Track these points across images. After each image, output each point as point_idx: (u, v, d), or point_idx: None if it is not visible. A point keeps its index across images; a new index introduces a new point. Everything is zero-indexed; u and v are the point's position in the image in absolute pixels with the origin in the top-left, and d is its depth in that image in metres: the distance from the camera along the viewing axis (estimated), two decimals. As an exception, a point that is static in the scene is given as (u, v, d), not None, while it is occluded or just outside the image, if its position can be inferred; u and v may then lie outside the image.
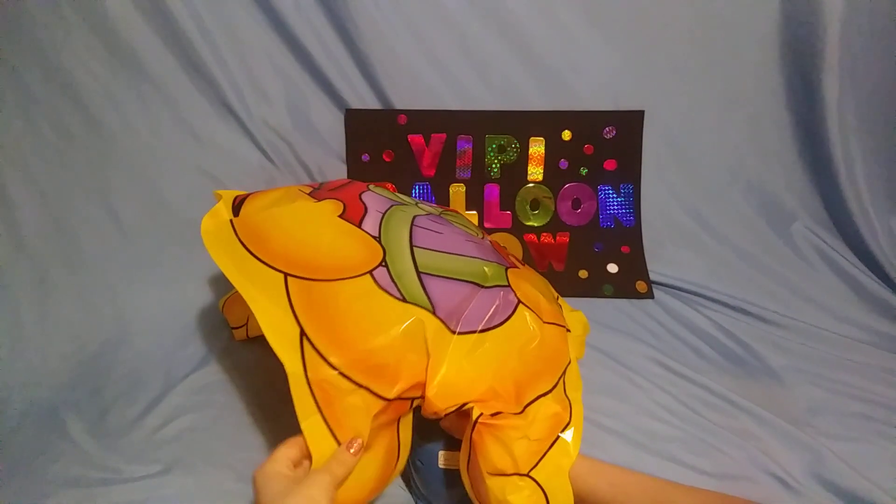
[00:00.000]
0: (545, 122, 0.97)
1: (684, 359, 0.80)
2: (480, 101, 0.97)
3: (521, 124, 0.97)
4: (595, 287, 0.96)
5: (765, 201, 1.04)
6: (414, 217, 0.62)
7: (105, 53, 0.83)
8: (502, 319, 0.56)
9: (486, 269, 0.60)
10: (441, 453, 0.56)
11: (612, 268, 0.98)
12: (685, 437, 0.68)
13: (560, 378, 0.58)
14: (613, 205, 1.00)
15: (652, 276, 0.96)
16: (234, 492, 0.60)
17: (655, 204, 1.01)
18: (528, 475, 0.49)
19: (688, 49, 0.96)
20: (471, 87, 0.96)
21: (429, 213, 0.64)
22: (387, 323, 0.51)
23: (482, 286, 0.58)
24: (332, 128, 0.97)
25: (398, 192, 0.77)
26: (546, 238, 0.99)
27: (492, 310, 0.56)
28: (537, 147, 0.98)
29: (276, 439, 0.66)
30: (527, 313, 0.58)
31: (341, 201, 0.61)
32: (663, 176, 1.02)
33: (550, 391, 0.55)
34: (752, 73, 0.98)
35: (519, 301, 0.59)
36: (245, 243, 0.55)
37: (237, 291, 0.52)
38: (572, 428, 0.54)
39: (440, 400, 0.51)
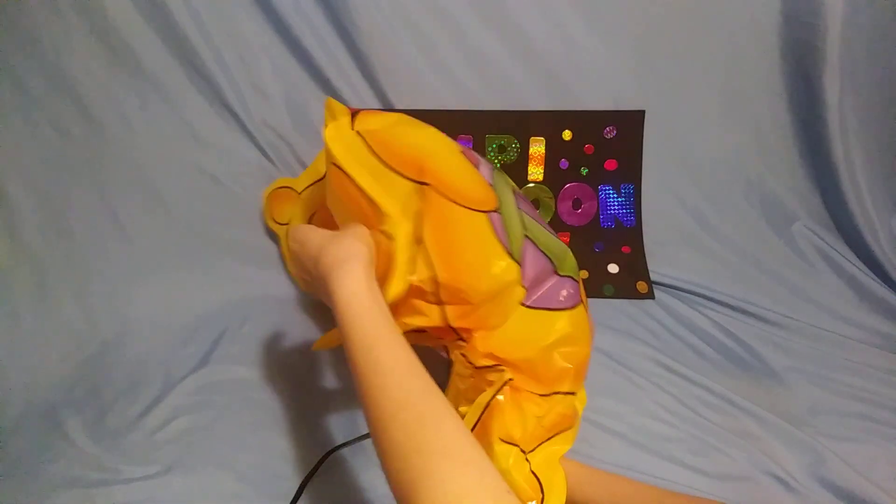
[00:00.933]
0: (545, 122, 0.97)
1: (685, 359, 0.80)
2: (480, 100, 0.96)
3: (521, 124, 0.96)
4: (596, 287, 0.96)
5: (766, 201, 1.04)
6: (512, 187, 0.64)
7: (105, 53, 0.83)
8: (564, 307, 0.58)
9: (568, 253, 0.62)
10: None
11: (613, 268, 0.98)
12: (686, 438, 0.68)
13: (581, 387, 0.60)
14: (614, 205, 1.00)
15: (653, 277, 0.96)
16: (233, 492, 0.60)
17: (656, 204, 1.01)
18: (526, 456, 0.51)
19: (689, 49, 0.96)
20: (471, 86, 0.96)
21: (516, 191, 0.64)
22: (488, 268, 0.53)
23: (557, 273, 0.59)
24: (332, 128, 0.96)
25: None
26: (546, 238, 0.99)
27: (561, 296, 0.58)
28: (538, 147, 0.97)
29: (275, 440, 0.67)
30: (585, 314, 0.60)
31: (457, 145, 0.61)
32: (664, 176, 1.02)
33: (573, 394, 0.57)
34: (753, 73, 0.98)
35: (581, 300, 0.60)
36: (378, 154, 0.57)
37: (287, 187, 0.60)
38: (571, 431, 0.56)
39: (483, 346, 0.55)
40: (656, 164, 1.00)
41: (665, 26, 0.94)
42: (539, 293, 0.57)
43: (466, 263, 0.53)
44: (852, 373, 0.78)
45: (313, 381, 0.76)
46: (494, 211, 0.55)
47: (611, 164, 0.98)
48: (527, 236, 0.57)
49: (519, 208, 0.59)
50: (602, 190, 0.99)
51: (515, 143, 0.97)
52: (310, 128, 0.97)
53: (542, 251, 0.58)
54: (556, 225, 0.99)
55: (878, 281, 0.94)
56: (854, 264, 0.97)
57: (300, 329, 0.83)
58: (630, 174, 0.99)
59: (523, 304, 0.56)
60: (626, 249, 0.99)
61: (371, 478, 0.62)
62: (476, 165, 0.59)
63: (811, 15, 0.90)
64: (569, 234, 0.99)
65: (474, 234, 0.54)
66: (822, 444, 0.65)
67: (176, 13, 0.84)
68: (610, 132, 0.97)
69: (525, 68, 0.96)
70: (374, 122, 0.61)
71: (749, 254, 1.00)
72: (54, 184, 0.83)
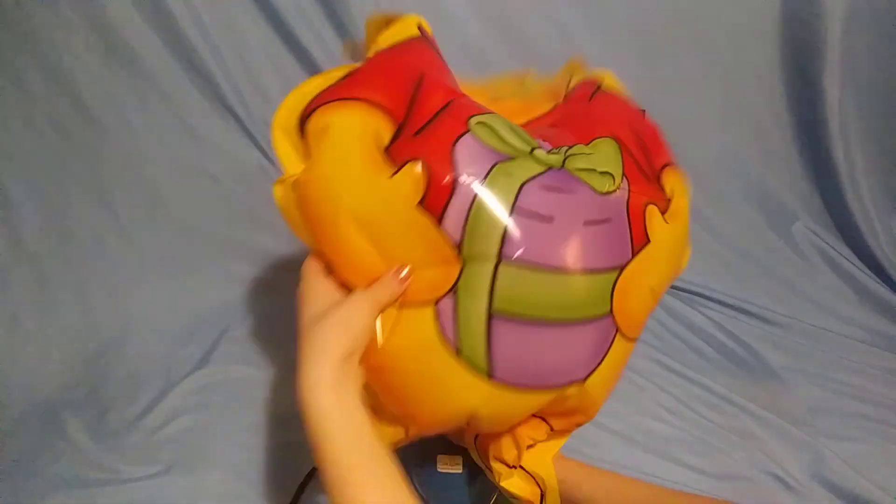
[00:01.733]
0: (546, 122, 0.96)
1: (685, 359, 0.80)
2: (480, 100, 0.96)
3: (521, 124, 0.96)
4: (595, 287, 0.95)
5: (766, 201, 1.04)
6: (521, 188, 0.42)
7: (104, 53, 0.83)
8: (577, 377, 0.44)
9: (589, 291, 0.43)
10: (439, 457, 0.56)
11: (613, 268, 0.97)
12: (685, 437, 0.68)
13: None
14: (614, 205, 0.99)
15: (652, 276, 0.96)
16: (233, 492, 0.60)
17: (656, 204, 1.01)
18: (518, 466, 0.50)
19: (689, 49, 0.96)
20: (471, 86, 0.96)
21: (547, 170, 0.43)
22: (432, 386, 0.43)
23: (571, 322, 0.43)
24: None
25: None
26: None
27: (575, 361, 0.44)
28: (538, 147, 0.97)
29: (275, 440, 0.67)
30: (619, 349, 0.46)
31: (426, 168, 0.40)
32: (664, 176, 1.02)
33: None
34: (753, 73, 0.98)
35: (617, 331, 0.45)
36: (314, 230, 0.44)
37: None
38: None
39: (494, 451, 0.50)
40: (656, 163, 1.00)
41: (665, 26, 0.94)
42: (531, 371, 0.43)
43: (414, 399, 0.43)
44: (852, 372, 0.78)
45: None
46: (448, 292, 0.41)
47: (611, 164, 0.98)
48: (496, 315, 0.41)
49: (504, 259, 0.41)
50: (602, 190, 0.99)
51: (515, 143, 0.96)
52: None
53: (530, 321, 0.42)
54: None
55: (878, 281, 0.94)
56: (854, 264, 0.97)
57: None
58: (630, 174, 0.98)
59: (513, 387, 0.43)
60: (626, 249, 0.98)
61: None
62: (447, 201, 0.40)
63: (811, 15, 0.90)
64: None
65: (408, 341, 0.42)
66: (821, 443, 0.65)
67: (176, 13, 0.84)
68: (610, 132, 0.97)
69: (525, 68, 0.96)
70: (312, 177, 0.43)
71: (749, 254, 1.00)
72: (54, 184, 0.83)
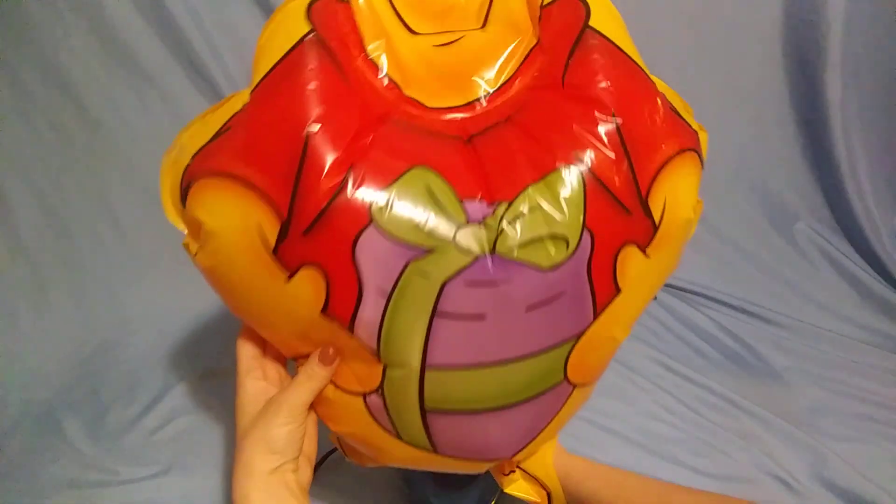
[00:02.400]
0: (546, 122, 0.95)
1: (686, 359, 0.80)
2: (481, 100, 0.96)
3: (521, 124, 0.95)
4: (596, 287, 0.95)
5: (768, 201, 1.03)
6: (442, 289, 0.35)
7: (103, 53, 0.83)
8: (528, 440, 0.42)
9: (538, 369, 0.39)
10: None
11: (614, 268, 0.97)
12: (687, 439, 0.67)
13: None
14: (615, 204, 0.99)
15: (653, 276, 0.96)
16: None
17: (657, 203, 1.01)
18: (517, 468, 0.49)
19: (690, 48, 0.96)
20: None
21: (474, 261, 0.35)
22: (384, 451, 0.42)
23: (517, 404, 0.39)
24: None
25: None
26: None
27: (525, 431, 0.42)
28: (538, 146, 0.97)
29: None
30: (580, 393, 0.43)
31: (324, 276, 0.35)
32: (665, 175, 1.01)
33: None
34: (754, 72, 0.98)
35: (574, 387, 0.42)
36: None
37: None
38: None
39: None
40: (657, 163, 1.00)
41: (667, 25, 0.94)
42: (475, 449, 0.41)
43: (375, 451, 0.42)
44: (854, 373, 0.78)
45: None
46: (374, 391, 0.38)
47: (611, 164, 0.97)
48: (430, 411, 0.38)
49: (429, 367, 0.36)
50: (603, 189, 0.98)
51: (516, 143, 0.96)
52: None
53: (469, 412, 0.38)
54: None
55: (881, 280, 0.94)
56: (856, 264, 0.97)
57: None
58: (631, 174, 0.98)
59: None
60: (626, 249, 0.98)
61: (371, 478, 0.61)
62: (356, 305, 0.35)
63: (813, 13, 0.90)
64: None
65: (355, 428, 0.41)
66: (823, 444, 0.65)
67: (175, 13, 0.84)
68: (611, 131, 0.96)
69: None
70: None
71: (751, 253, 0.99)
72: (53, 184, 0.83)
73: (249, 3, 0.88)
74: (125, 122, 0.86)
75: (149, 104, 0.87)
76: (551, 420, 0.42)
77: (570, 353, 0.39)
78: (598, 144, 0.37)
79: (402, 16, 0.42)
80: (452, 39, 0.43)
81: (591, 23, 0.40)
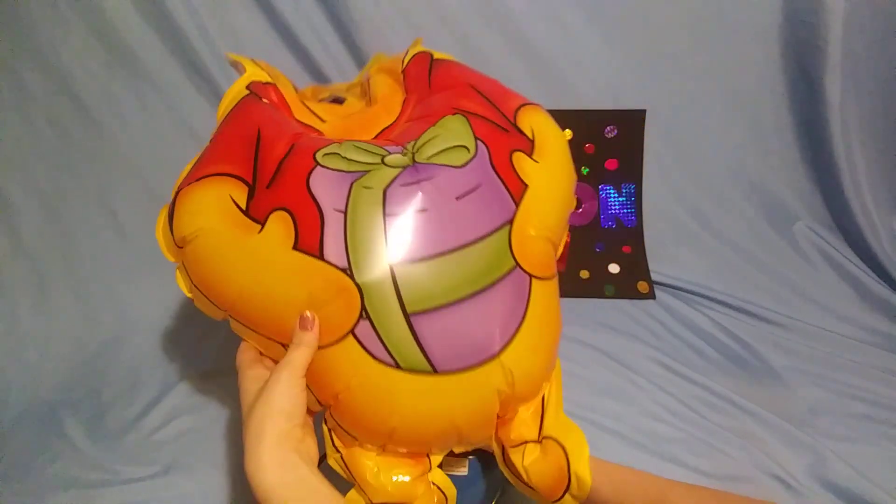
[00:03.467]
0: (546, 122, 0.96)
1: (686, 359, 0.80)
2: (481, 100, 0.96)
3: (521, 124, 0.96)
4: (596, 287, 0.95)
5: (767, 201, 1.03)
6: (386, 193, 0.44)
7: (103, 53, 0.83)
8: (510, 333, 0.45)
9: (487, 255, 0.45)
10: (444, 458, 0.55)
11: (614, 268, 0.97)
12: (686, 438, 0.67)
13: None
14: (615, 204, 0.99)
15: (654, 277, 0.96)
16: (232, 493, 0.60)
17: (657, 204, 1.01)
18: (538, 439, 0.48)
19: (690, 48, 0.96)
20: (471, 86, 0.96)
21: (402, 170, 0.45)
22: (389, 403, 0.43)
23: (484, 289, 0.44)
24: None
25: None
26: (547, 238, 0.98)
27: (501, 321, 0.45)
28: (538, 147, 0.97)
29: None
30: (540, 291, 0.47)
31: (289, 213, 0.43)
32: (665, 176, 1.02)
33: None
34: (754, 73, 0.98)
35: (531, 276, 0.47)
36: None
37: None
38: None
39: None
40: (657, 163, 1.00)
41: (666, 25, 0.94)
42: (469, 346, 0.43)
43: (380, 420, 0.43)
44: (853, 373, 0.78)
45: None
46: (360, 318, 0.41)
47: (612, 164, 0.98)
48: (413, 314, 0.42)
49: (395, 265, 0.42)
50: (603, 189, 0.99)
51: (516, 143, 0.96)
52: (309, 127, 0.97)
53: (448, 305, 0.43)
54: (557, 225, 0.99)
55: (880, 281, 0.94)
56: (855, 264, 0.97)
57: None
58: (631, 174, 0.99)
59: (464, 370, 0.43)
60: (626, 249, 0.99)
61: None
62: (321, 234, 0.42)
63: (812, 14, 0.90)
64: (569, 233, 0.99)
65: (352, 374, 0.42)
66: (822, 444, 0.65)
67: (175, 13, 0.84)
68: (611, 131, 0.97)
69: (525, 67, 0.96)
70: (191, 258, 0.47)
71: (750, 254, 1.00)
72: (54, 184, 0.83)
73: (249, 4, 0.88)
74: (125, 122, 0.86)
75: (149, 104, 0.87)
76: (525, 312, 0.46)
77: (509, 238, 0.46)
78: (466, 100, 0.53)
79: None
80: (353, 112, 0.62)
81: (435, 57, 0.59)
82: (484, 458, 0.53)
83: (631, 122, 0.97)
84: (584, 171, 0.98)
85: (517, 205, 0.47)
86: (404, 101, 0.58)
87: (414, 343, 0.42)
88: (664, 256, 0.98)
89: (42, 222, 0.82)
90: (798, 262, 0.99)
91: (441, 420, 0.44)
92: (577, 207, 0.99)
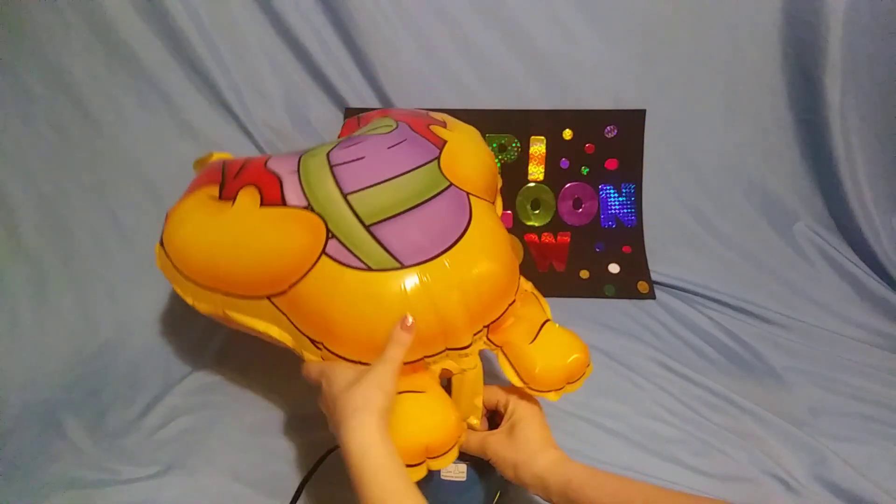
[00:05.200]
0: (546, 122, 0.96)
1: (686, 359, 0.80)
2: (481, 99, 0.96)
3: (521, 123, 0.96)
4: (596, 287, 0.95)
5: (767, 201, 1.03)
6: (328, 155, 0.56)
7: (104, 53, 0.83)
8: (461, 229, 0.52)
9: (423, 178, 0.56)
10: None
11: (614, 268, 0.97)
12: (686, 438, 0.67)
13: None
14: (615, 204, 0.99)
15: (654, 277, 0.96)
16: (232, 492, 0.60)
17: (657, 204, 1.01)
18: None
19: (689, 48, 0.96)
20: (471, 85, 0.96)
21: (338, 142, 0.60)
22: (373, 304, 0.48)
23: (429, 199, 0.54)
24: (332, 127, 0.96)
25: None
26: (547, 238, 0.99)
27: (450, 220, 0.53)
28: (538, 146, 0.97)
29: (274, 440, 0.66)
30: (480, 204, 0.56)
31: (254, 185, 0.54)
32: (665, 175, 1.02)
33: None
34: (753, 73, 0.98)
35: (467, 193, 0.56)
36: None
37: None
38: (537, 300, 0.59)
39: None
40: (657, 163, 1.00)
41: (666, 25, 0.94)
42: (427, 242, 0.50)
43: (367, 324, 0.48)
44: (853, 373, 0.78)
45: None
46: (328, 238, 0.49)
47: (612, 164, 0.98)
48: (371, 225, 0.50)
49: (347, 195, 0.52)
50: (603, 189, 0.99)
51: (516, 143, 0.97)
52: (309, 127, 0.97)
53: (398, 214, 0.51)
54: (557, 225, 0.99)
55: (879, 280, 0.94)
56: (855, 264, 0.97)
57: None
58: (631, 174, 0.99)
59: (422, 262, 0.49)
60: (626, 249, 0.99)
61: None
62: (281, 190, 0.52)
63: (812, 14, 0.90)
64: (569, 233, 0.99)
65: (330, 291, 0.48)
66: (822, 444, 0.65)
67: (175, 13, 0.84)
68: (611, 131, 0.97)
69: (526, 67, 0.96)
70: (175, 236, 0.58)
71: (750, 253, 1.00)
72: (54, 184, 0.83)
73: (250, 4, 0.88)
74: (125, 121, 0.86)
75: (149, 104, 0.87)
76: (470, 218, 0.54)
77: (439, 165, 0.58)
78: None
79: None
80: None
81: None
82: (480, 464, 0.53)
83: (631, 122, 0.97)
84: (584, 171, 0.98)
85: (440, 150, 0.60)
86: None
87: (378, 245, 0.49)
88: (664, 256, 0.98)
89: (41, 222, 0.82)
90: (798, 262, 0.99)
91: (419, 311, 0.48)
92: (577, 207, 0.99)
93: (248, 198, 0.53)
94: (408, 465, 0.44)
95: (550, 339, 0.54)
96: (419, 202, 0.53)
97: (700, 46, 0.96)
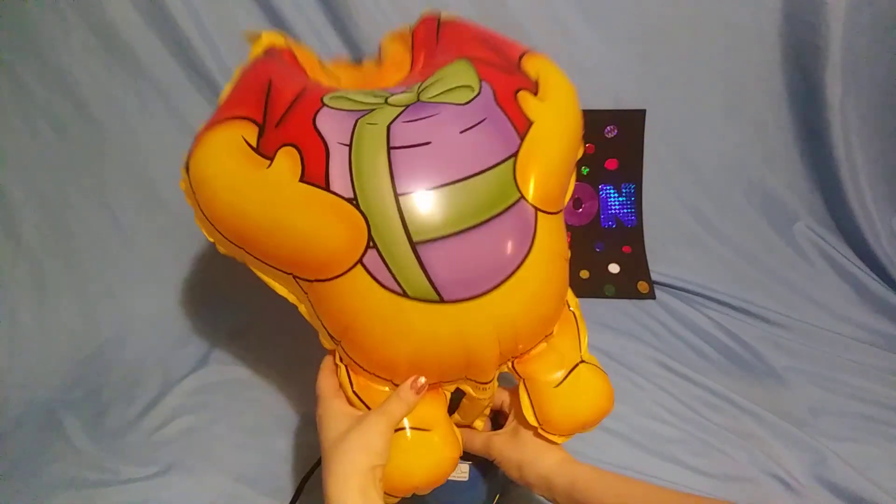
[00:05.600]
0: (546, 122, 0.96)
1: (686, 359, 0.80)
2: (481, 100, 0.96)
3: (521, 124, 0.96)
4: (596, 287, 0.95)
5: (767, 201, 1.03)
6: (389, 129, 0.45)
7: (104, 53, 0.83)
8: (517, 262, 0.45)
9: (492, 186, 0.45)
10: None
11: (614, 268, 0.97)
12: (687, 438, 0.67)
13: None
14: (615, 204, 0.99)
15: (654, 277, 0.96)
16: (232, 492, 0.60)
17: (657, 204, 1.01)
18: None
19: (690, 48, 0.96)
20: (471, 86, 0.96)
21: (405, 108, 0.47)
22: (399, 331, 0.44)
23: (490, 220, 0.44)
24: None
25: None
26: (547, 238, 0.98)
27: (508, 250, 0.45)
28: (538, 147, 0.97)
29: (274, 440, 0.66)
30: (546, 225, 0.48)
31: (296, 148, 0.45)
32: (665, 175, 1.02)
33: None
34: (754, 73, 0.98)
35: (536, 209, 0.47)
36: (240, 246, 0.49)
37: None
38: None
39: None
40: (657, 163, 1.00)
41: (666, 25, 0.94)
42: (477, 276, 0.44)
43: (392, 350, 0.45)
44: (853, 373, 0.78)
45: (312, 381, 0.76)
46: (367, 247, 0.42)
47: (612, 164, 0.98)
48: (419, 244, 0.42)
49: (400, 195, 0.42)
50: (603, 189, 0.99)
51: (516, 143, 0.96)
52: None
53: (455, 234, 0.43)
54: (557, 225, 0.99)
55: (879, 281, 0.94)
56: (855, 264, 0.97)
57: (300, 329, 0.83)
58: (631, 174, 0.99)
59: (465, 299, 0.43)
60: (626, 249, 0.99)
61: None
62: (326, 167, 0.43)
63: (812, 14, 0.90)
64: (569, 233, 0.99)
65: (360, 306, 0.44)
66: (822, 444, 0.65)
67: (175, 13, 0.84)
68: (611, 131, 0.97)
69: (525, 67, 0.96)
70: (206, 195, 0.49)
71: (750, 254, 1.00)
72: (54, 184, 0.83)
73: (249, 4, 0.88)
74: (125, 121, 0.86)
75: (149, 104, 0.87)
76: (532, 245, 0.46)
77: (514, 171, 0.46)
78: (470, 49, 0.54)
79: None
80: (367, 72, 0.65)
81: (442, 18, 0.61)
82: (483, 464, 0.53)
83: (631, 122, 0.97)
84: (584, 171, 0.98)
85: (522, 140, 0.47)
86: (413, 59, 0.60)
87: (420, 272, 0.42)
88: (664, 256, 0.98)
89: (41, 222, 0.82)
90: (798, 261, 0.99)
91: (449, 347, 0.44)
92: (577, 207, 0.99)
93: (286, 164, 0.44)
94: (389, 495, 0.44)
95: (578, 386, 0.51)
96: (478, 222, 0.44)
97: (700, 46, 0.95)
